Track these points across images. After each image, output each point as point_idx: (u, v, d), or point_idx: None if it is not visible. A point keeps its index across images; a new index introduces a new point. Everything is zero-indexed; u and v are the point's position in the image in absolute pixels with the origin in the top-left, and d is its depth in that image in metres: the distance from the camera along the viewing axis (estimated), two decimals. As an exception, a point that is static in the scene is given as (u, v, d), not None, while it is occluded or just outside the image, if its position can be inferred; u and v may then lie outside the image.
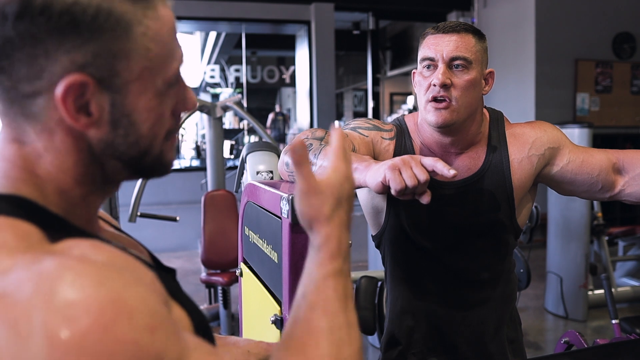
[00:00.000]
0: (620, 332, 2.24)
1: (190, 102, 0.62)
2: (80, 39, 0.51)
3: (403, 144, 1.37)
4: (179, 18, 6.68)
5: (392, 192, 0.97)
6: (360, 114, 11.80)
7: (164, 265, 0.71)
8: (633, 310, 4.17)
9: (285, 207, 0.97)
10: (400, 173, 0.96)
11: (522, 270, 2.59)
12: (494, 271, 1.36)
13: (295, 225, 0.96)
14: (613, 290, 3.98)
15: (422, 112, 1.31)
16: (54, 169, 0.55)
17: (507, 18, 6.47)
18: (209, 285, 3.87)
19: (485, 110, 1.39)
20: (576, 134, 4.06)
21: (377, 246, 1.45)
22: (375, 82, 7.72)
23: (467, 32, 1.26)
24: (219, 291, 3.77)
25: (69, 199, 0.57)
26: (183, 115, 0.66)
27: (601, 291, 4.10)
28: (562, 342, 1.91)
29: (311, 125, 7.18)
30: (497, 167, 1.33)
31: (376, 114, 7.57)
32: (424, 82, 1.27)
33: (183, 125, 4.10)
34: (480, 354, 1.35)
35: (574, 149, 1.35)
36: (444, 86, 1.23)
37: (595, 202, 4.28)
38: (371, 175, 1.00)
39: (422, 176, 0.96)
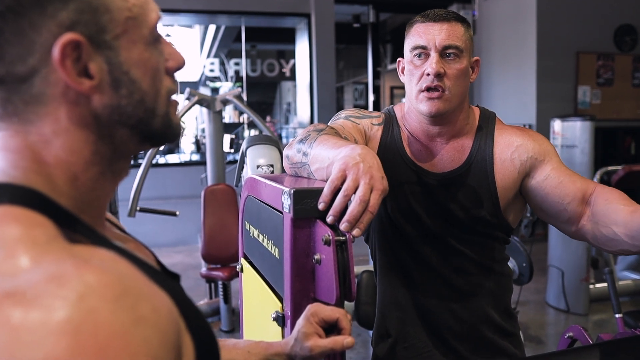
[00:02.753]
0: (624, 326, 2.22)
1: (179, 56, 0.62)
2: (59, 1, 0.51)
3: (390, 130, 1.38)
4: (178, 11, 6.65)
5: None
6: (361, 107, 11.76)
7: (169, 271, 0.69)
8: (635, 304, 4.16)
9: (286, 202, 0.95)
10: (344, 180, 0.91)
11: (524, 264, 2.57)
12: (481, 262, 1.34)
13: (297, 220, 0.93)
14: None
15: (412, 102, 1.30)
16: (64, 152, 0.54)
17: (508, 11, 6.43)
18: (209, 280, 3.86)
19: (476, 107, 1.39)
20: (578, 127, 4.03)
21: (366, 240, 1.45)
22: (376, 75, 7.69)
23: (457, 20, 1.27)
24: (220, 286, 3.76)
25: (81, 186, 0.55)
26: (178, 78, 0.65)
27: (603, 285, 4.09)
28: (565, 336, 1.89)
29: (311, 119, 7.15)
30: (480, 164, 1.31)
31: (377, 108, 7.54)
32: (415, 71, 1.26)
33: (182, 119, 4.07)
34: (471, 347, 1.34)
35: (557, 168, 1.28)
36: (438, 75, 1.23)
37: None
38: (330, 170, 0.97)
39: (371, 201, 0.89)
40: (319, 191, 0.93)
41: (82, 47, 0.52)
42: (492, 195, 1.30)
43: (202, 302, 4.04)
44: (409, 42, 1.28)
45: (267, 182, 1.11)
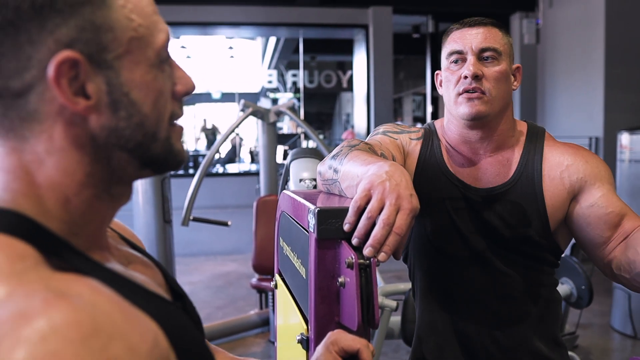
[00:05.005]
0: (694, 358, 2.05)
1: (188, 81, 0.60)
2: (60, 16, 0.50)
3: (430, 144, 1.33)
4: (239, 24, 6.79)
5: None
6: (419, 119, 11.62)
7: (177, 290, 0.67)
8: None
9: (311, 221, 0.92)
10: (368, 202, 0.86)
11: (583, 287, 2.43)
12: (527, 287, 1.25)
13: (321, 241, 0.90)
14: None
15: (451, 108, 1.26)
16: (57, 173, 0.53)
17: (575, 17, 6.18)
18: (260, 290, 3.88)
19: (523, 122, 1.32)
20: (648, 141, 3.80)
21: (404, 259, 1.39)
22: (435, 86, 7.57)
23: (494, 25, 1.24)
24: (270, 296, 3.77)
25: (73, 208, 0.54)
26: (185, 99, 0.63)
27: (675, 310, 3.82)
28: (625, 368, 1.76)
29: (368, 130, 7.11)
30: (528, 180, 1.24)
31: (435, 119, 7.41)
32: (452, 77, 1.23)
33: (238, 129, 4.15)
34: None
35: (607, 196, 1.20)
36: (476, 77, 1.19)
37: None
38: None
39: (399, 223, 0.83)
40: (344, 211, 0.89)
41: (80, 66, 0.51)
42: (541, 214, 1.22)
43: (252, 312, 4.06)
44: (446, 50, 1.25)
45: (297, 198, 1.08)
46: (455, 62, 1.22)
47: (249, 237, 6.06)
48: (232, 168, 8.42)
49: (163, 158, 0.59)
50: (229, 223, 3.90)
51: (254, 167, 8.51)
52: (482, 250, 1.25)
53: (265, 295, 4.00)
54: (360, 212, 0.87)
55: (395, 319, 2.67)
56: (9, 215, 0.50)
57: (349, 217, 0.87)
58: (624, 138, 3.96)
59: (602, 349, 3.73)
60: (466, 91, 1.20)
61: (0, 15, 0.49)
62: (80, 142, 0.53)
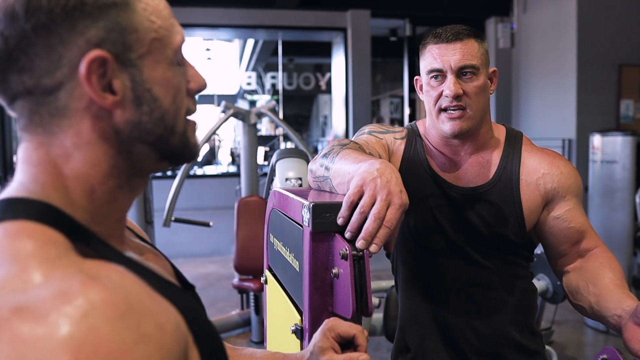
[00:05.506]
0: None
1: (200, 79, 0.64)
2: (89, 18, 0.54)
3: (413, 143, 1.38)
4: (218, 26, 6.79)
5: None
6: (396, 121, 11.73)
7: (185, 280, 0.71)
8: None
9: (306, 215, 0.96)
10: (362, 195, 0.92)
11: (558, 283, 2.51)
12: (504, 278, 1.32)
13: (316, 234, 0.94)
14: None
15: (434, 121, 1.30)
16: (83, 164, 0.56)
17: (548, 22, 6.33)
18: (241, 290, 3.89)
19: (502, 125, 1.39)
20: (619, 142, 3.93)
21: (388, 255, 1.44)
22: (412, 88, 7.66)
23: (469, 37, 1.25)
24: (251, 297, 3.79)
25: (98, 199, 0.57)
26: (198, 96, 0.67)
27: (645, 305, 3.95)
28: (599, 359, 1.83)
29: (347, 132, 7.17)
30: (506, 183, 1.31)
31: (412, 121, 7.49)
32: (433, 92, 1.27)
33: (219, 131, 4.15)
34: None
35: (572, 210, 1.29)
36: (457, 96, 1.23)
37: (638, 212, 4.13)
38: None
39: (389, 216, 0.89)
40: (338, 205, 0.94)
41: (108, 64, 0.54)
42: (517, 216, 1.29)
43: (234, 312, 4.07)
44: (424, 65, 1.28)
45: (290, 195, 1.12)
46: (435, 77, 1.26)
47: (228, 238, 6.06)
48: (210, 170, 8.40)
49: (180, 151, 0.63)
50: (211, 224, 3.92)
51: (232, 169, 8.50)
52: (461, 245, 1.31)
53: (246, 296, 4.02)
54: (353, 207, 0.91)
55: (377, 316, 2.72)
56: (40, 205, 0.53)
57: (343, 212, 0.92)
58: (596, 140, 4.09)
59: (577, 343, 3.83)
60: (448, 109, 1.25)
61: (34, 18, 0.52)
62: (105, 136, 0.57)
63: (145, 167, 0.62)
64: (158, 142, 0.60)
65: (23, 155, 0.57)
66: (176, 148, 0.62)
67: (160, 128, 0.59)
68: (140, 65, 0.57)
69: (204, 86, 0.65)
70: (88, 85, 0.54)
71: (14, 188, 0.56)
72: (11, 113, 0.58)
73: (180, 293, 0.59)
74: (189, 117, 0.64)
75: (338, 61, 7.39)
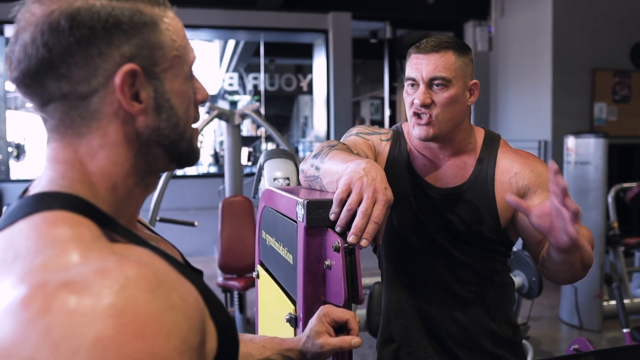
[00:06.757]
0: (632, 341, 2.25)
1: (205, 92, 0.73)
2: (125, 36, 0.61)
3: (398, 145, 1.46)
4: (199, 27, 6.81)
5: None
6: (377, 122, 11.85)
7: (194, 267, 0.78)
8: (649, 321, 4.15)
9: (300, 212, 1.03)
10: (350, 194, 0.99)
11: (533, 278, 2.62)
12: (482, 273, 1.41)
13: (309, 229, 1.01)
14: (629, 301, 3.97)
15: (410, 124, 1.40)
16: (108, 163, 0.63)
17: (524, 27, 6.49)
18: (225, 289, 3.94)
19: (481, 129, 1.46)
20: (591, 144, 4.06)
21: (374, 250, 1.52)
22: (392, 90, 7.77)
23: (447, 49, 1.31)
24: (235, 296, 3.84)
25: (119, 194, 0.64)
26: (200, 108, 0.75)
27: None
28: (571, 349, 1.94)
29: (328, 133, 7.24)
30: (482, 183, 1.38)
31: (393, 122, 7.61)
32: (408, 98, 1.36)
33: (202, 132, 4.18)
34: (471, 354, 1.40)
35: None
36: (424, 105, 1.31)
37: (611, 211, 4.27)
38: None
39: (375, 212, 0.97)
40: (330, 202, 1.01)
41: (138, 76, 0.62)
42: (493, 214, 1.37)
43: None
44: (406, 72, 1.37)
45: (283, 193, 1.19)
46: (412, 85, 1.35)
47: (211, 239, 6.09)
48: (191, 170, 8.40)
49: (186, 154, 0.71)
50: (196, 223, 3.96)
51: (212, 169, 8.51)
52: (441, 242, 1.40)
53: (230, 295, 4.06)
54: (342, 204, 0.99)
55: (361, 312, 2.79)
56: (71, 197, 0.60)
57: (334, 208, 1.00)
58: (570, 141, 4.22)
59: (552, 338, 3.96)
60: (417, 115, 1.33)
61: (78, 32, 0.59)
62: (129, 138, 0.64)
63: (158, 167, 0.69)
64: (171, 146, 0.68)
65: (52, 154, 0.64)
66: (183, 151, 0.70)
67: (174, 134, 0.67)
68: (163, 78, 0.65)
69: (207, 98, 0.73)
70: (121, 94, 0.61)
71: (45, 183, 0.62)
72: (38, 114, 0.65)
73: (195, 274, 0.66)
74: (193, 125, 0.71)
75: (319, 62, 7.46)
